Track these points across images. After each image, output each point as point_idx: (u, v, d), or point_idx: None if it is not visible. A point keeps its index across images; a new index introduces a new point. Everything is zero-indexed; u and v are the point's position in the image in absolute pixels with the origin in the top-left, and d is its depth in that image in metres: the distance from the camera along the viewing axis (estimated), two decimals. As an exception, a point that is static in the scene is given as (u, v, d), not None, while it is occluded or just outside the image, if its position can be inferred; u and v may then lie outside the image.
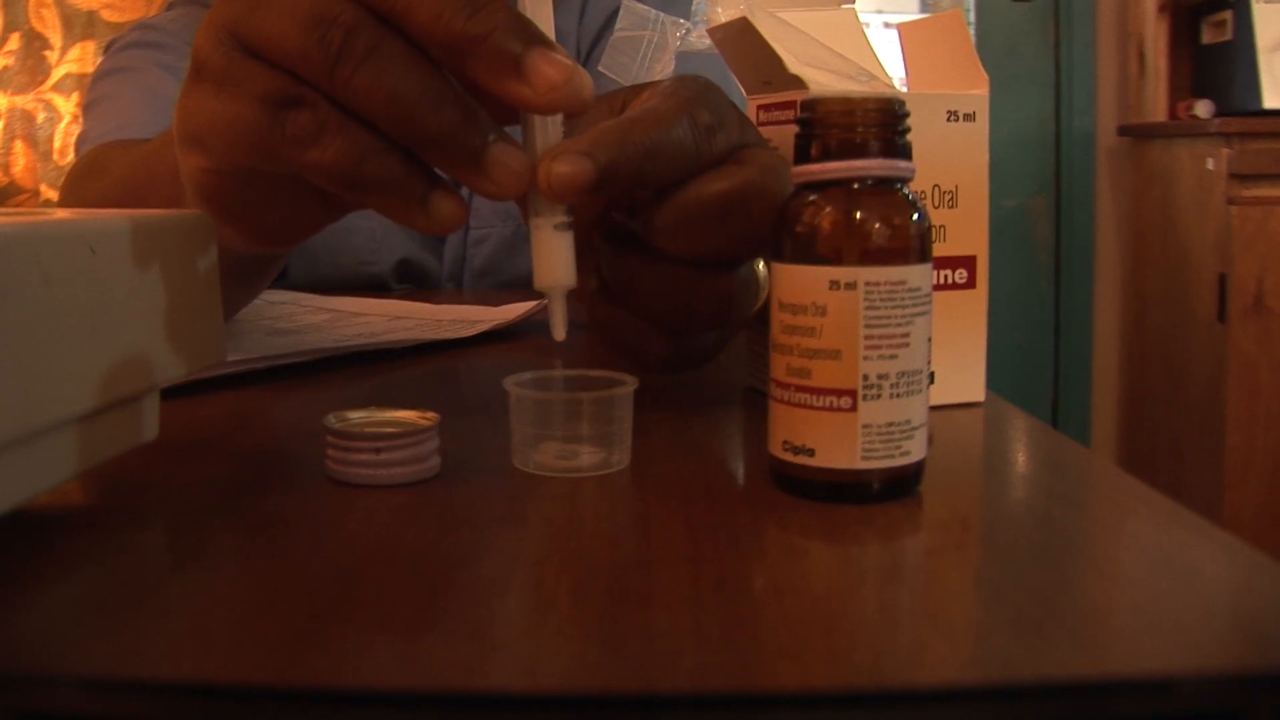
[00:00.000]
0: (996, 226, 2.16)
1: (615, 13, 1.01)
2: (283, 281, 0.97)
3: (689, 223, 0.42)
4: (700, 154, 0.42)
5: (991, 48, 2.45)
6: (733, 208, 0.42)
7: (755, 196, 0.42)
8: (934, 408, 0.48)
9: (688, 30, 0.54)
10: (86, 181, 0.82)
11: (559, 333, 0.42)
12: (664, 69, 0.55)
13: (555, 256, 0.41)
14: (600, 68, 0.54)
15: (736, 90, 0.54)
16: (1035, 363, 2.55)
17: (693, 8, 0.53)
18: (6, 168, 1.95)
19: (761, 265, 0.47)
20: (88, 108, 1.00)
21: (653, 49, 0.53)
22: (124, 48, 1.02)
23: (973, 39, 0.51)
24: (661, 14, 0.54)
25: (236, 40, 0.38)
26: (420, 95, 0.37)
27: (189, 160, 0.43)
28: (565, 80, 0.38)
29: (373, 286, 0.98)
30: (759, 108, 0.52)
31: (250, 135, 0.39)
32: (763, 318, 0.47)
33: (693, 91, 0.43)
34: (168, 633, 0.28)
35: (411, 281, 1.01)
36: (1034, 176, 2.52)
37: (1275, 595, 0.30)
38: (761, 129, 0.52)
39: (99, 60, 1.11)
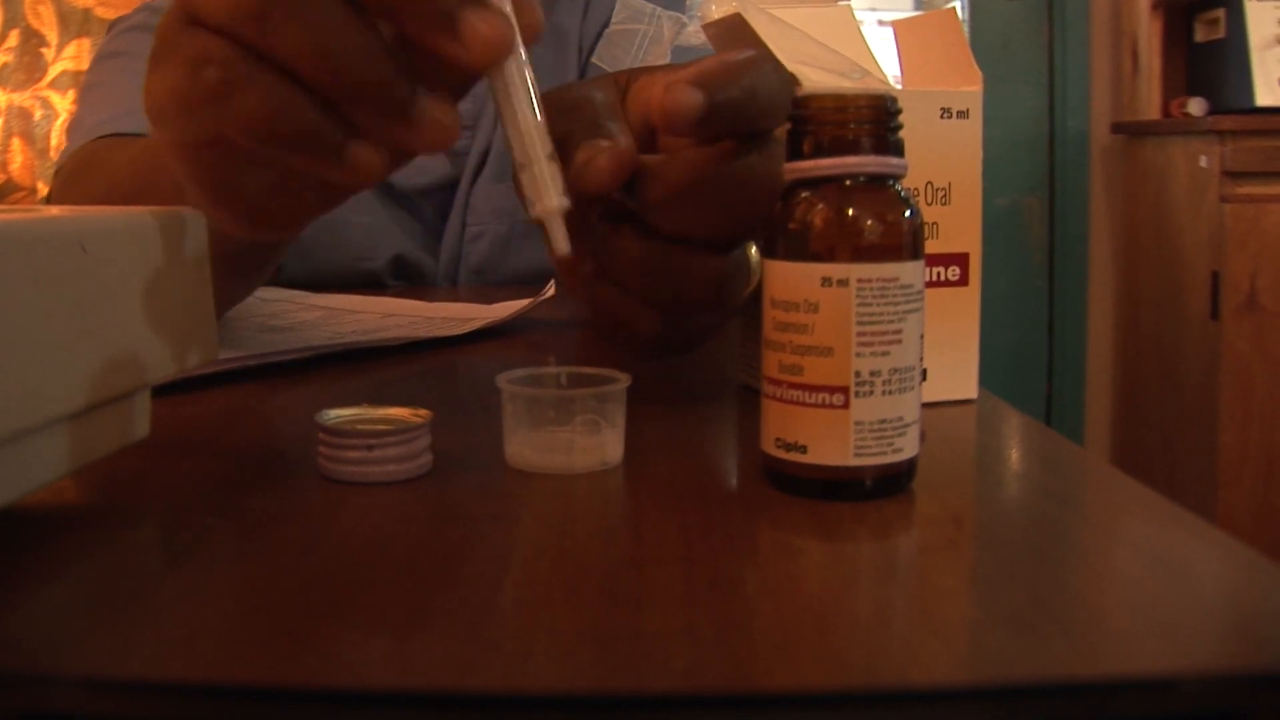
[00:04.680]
0: (990, 224, 2.16)
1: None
2: (278, 277, 0.97)
3: (683, 199, 0.43)
4: (781, 109, 0.42)
5: (985, 46, 2.45)
6: (728, 188, 0.42)
7: (752, 179, 0.43)
8: (927, 405, 0.48)
9: (683, 25, 0.54)
10: (80, 179, 0.82)
11: (561, 247, 0.42)
12: (657, 63, 0.55)
13: (545, 185, 0.41)
14: (594, 59, 0.54)
15: None
16: (1029, 360, 2.55)
17: (687, 3, 0.53)
18: (4, 165, 1.95)
19: (754, 251, 0.47)
20: (84, 91, 1.00)
21: (648, 42, 0.53)
22: (126, 30, 1.02)
23: (966, 36, 0.51)
24: (658, 8, 0.55)
25: (184, 11, 0.39)
26: (347, 48, 0.37)
27: (158, 138, 0.43)
28: (500, 38, 0.38)
29: (368, 283, 0.98)
30: (752, 105, 0.52)
31: (177, 99, 0.39)
32: (753, 309, 0.47)
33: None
34: (159, 632, 0.28)
35: (406, 278, 1.01)
36: (1028, 174, 2.52)
37: (1269, 593, 0.30)
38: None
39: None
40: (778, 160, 0.41)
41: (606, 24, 1.00)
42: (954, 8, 0.53)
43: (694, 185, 0.43)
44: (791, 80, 0.45)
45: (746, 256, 0.46)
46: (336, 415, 0.40)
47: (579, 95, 0.46)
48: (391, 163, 0.40)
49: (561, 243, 0.41)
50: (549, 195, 0.41)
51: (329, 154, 0.39)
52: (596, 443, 0.41)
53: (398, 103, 0.38)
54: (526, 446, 0.41)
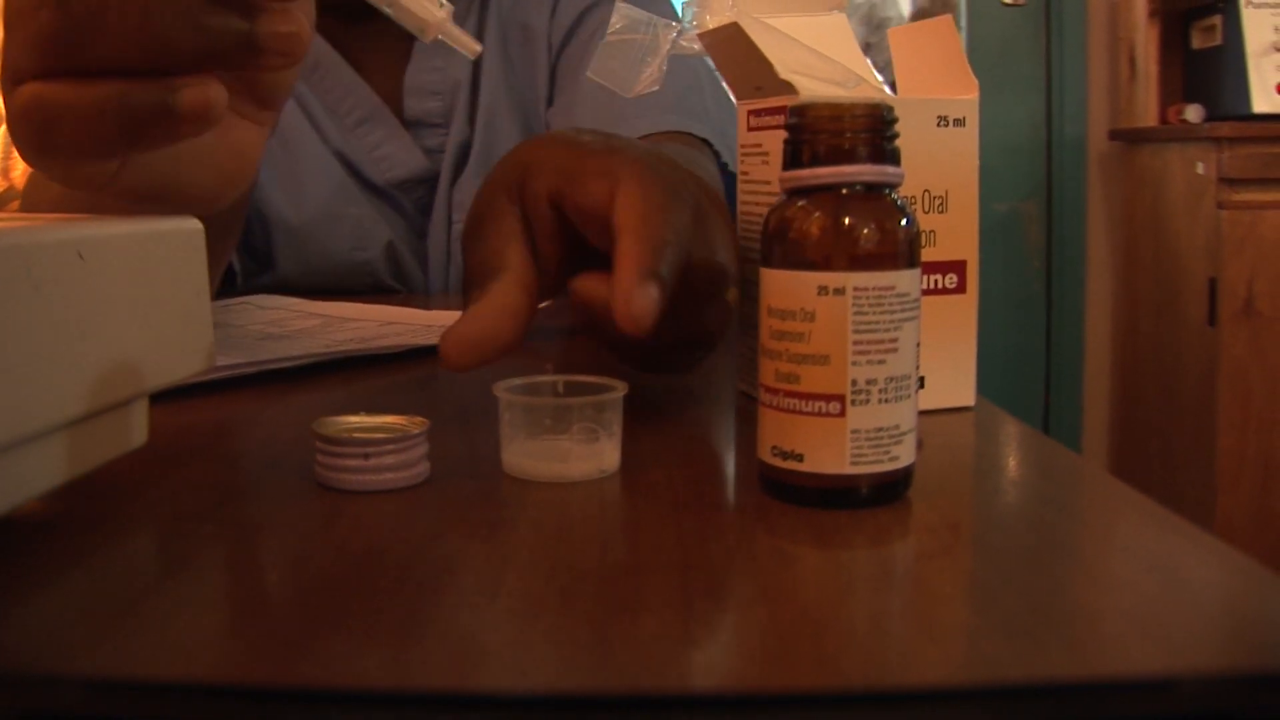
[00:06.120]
0: (987, 231, 2.15)
1: (587, 10, 1.00)
2: (273, 275, 0.97)
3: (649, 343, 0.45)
4: (691, 211, 0.44)
5: (983, 52, 2.46)
6: (687, 322, 0.45)
7: (702, 290, 0.45)
8: (924, 412, 0.48)
9: (679, 33, 0.54)
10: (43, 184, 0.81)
11: (472, 46, 0.43)
12: (654, 73, 0.55)
13: (419, 4, 0.42)
14: (590, 73, 0.54)
15: (726, 92, 0.55)
16: (1027, 366, 2.55)
17: (682, 10, 0.53)
18: (5, 172, 1.94)
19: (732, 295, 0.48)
20: None
21: (644, 53, 0.53)
22: None
23: (963, 44, 0.51)
24: (654, 17, 0.54)
25: (8, 74, 0.39)
26: (168, 35, 0.36)
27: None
28: None
29: (364, 275, 0.98)
30: (750, 113, 0.52)
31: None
32: (751, 317, 0.47)
33: (661, 170, 0.45)
34: (157, 637, 0.28)
35: (400, 275, 1.00)
36: (1025, 181, 2.52)
37: (1263, 599, 0.30)
38: (752, 134, 0.52)
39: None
40: (719, 244, 0.45)
41: (575, 23, 1.00)
42: (950, 15, 0.53)
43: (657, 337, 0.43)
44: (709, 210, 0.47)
45: (726, 302, 0.47)
46: (334, 423, 0.40)
47: (481, 253, 0.47)
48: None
49: (469, 42, 0.42)
50: (428, 9, 0.42)
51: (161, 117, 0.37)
52: (593, 451, 0.41)
53: (238, 52, 0.37)
54: (523, 454, 0.41)
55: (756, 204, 0.51)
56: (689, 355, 0.50)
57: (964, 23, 2.48)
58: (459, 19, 0.99)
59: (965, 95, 0.51)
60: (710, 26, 0.51)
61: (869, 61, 0.53)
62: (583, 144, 0.47)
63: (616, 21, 0.53)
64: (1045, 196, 2.52)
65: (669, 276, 0.41)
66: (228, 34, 0.37)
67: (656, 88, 0.53)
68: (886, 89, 0.52)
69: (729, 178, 0.93)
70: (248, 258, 0.98)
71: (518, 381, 0.42)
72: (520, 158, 0.48)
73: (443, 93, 0.98)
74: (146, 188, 0.41)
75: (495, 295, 0.44)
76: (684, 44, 0.53)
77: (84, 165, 0.39)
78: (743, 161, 0.53)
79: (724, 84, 0.55)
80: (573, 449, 0.40)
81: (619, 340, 0.48)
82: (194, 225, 0.40)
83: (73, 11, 0.36)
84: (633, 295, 0.39)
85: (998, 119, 2.45)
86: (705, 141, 0.93)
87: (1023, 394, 2.54)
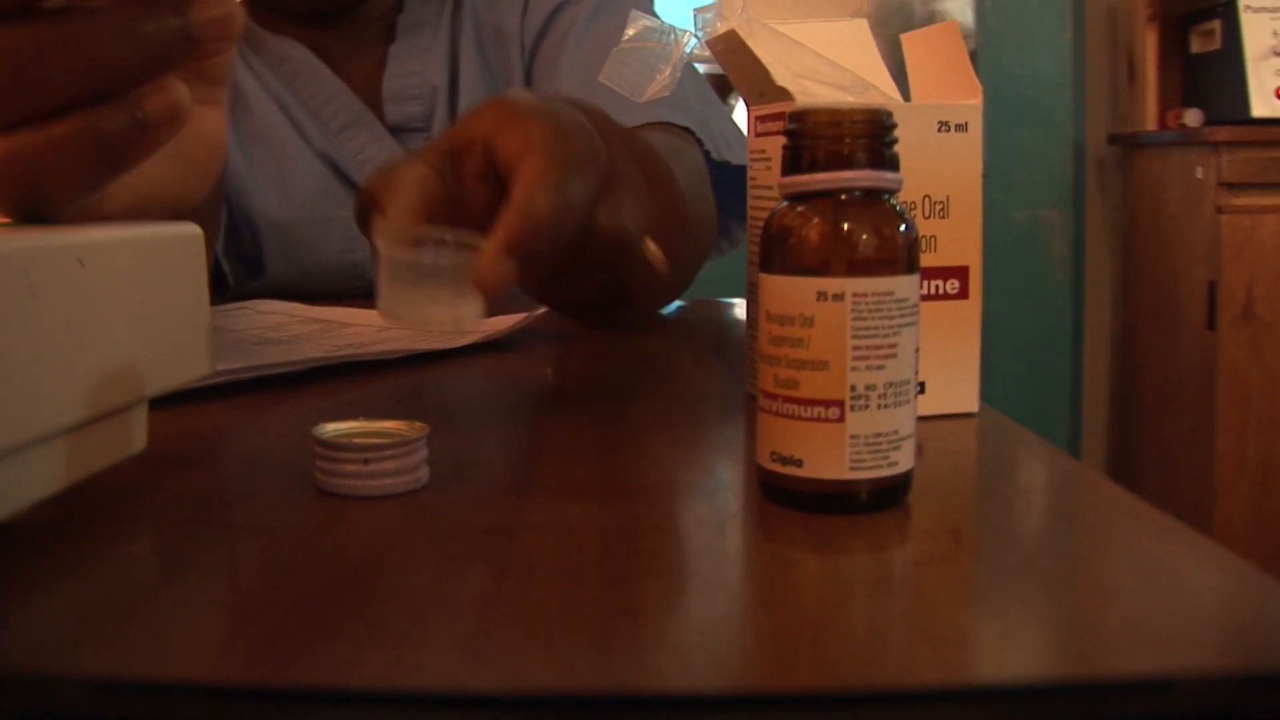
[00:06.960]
0: (1005, 239, 2.13)
1: (558, 8, 1.01)
2: (264, 279, 0.97)
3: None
4: (595, 184, 0.47)
5: (1004, 52, 2.43)
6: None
7: (605, 254, 0.49)
8: (927, 418, 0.48)
9: (692, 40, 0.54)
10: None
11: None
12: (666, 80, 0.54)
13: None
14: (601, 78, 0.54)
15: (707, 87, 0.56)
16: (1044, 371, 2.53)
17: (695, 17, 0.53)
18: None
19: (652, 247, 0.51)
20: None
21: (657, 59, 0.53)
22: None
23: (978, 45, 0.51)
24: (669, 24, 0.54)
25: None
26: (100, 56, 0.36)
27: None
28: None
29: (355, 277, 0.98)
30: (757, 119, 0.52)
31: None
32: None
33: (576, 138, 0.47)
34: (158, 639, 0.28)
35: None
36: (1045, 188, 2.49)
37: (1261, 604, 0.30)
38: (758, 139, 0.52)
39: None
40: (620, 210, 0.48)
41: (546, 22, 1.00)
42: (954, 21, 0.53)
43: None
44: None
45: (645, 263, 0.51)
46: (333, 428, 0.40)
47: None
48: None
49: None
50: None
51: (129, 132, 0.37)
52: (455, 301, 0.45)
53: (179, 48, 0.37)
54: (392, 301, 0.45)
55: (763, 209, 0.51)
56: (614, 312, 0.54)
57: (973, 22, 2.47)
58: (432, 20, 1.00)
59: (968, 100, 0.51)
60: (719, 32, 0.51)
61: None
62: (519, 99, 0.51)
63: (630, 28, 0.53)
64: (1072, 201, 2.48)
65: (537, 254, 0.45)
66: (166, 36, 0.37)
67: (668, 94, 0.53)
68: (900, 96, 0.52)
69: (716, 166, 0.92)
70: (239, 263, 0.98)
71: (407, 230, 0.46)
72: (464, 114, 0.53)
73: (422, 97, 0.98)
74: (127, 203, 0.41)
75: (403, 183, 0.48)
76: (698, 51, 0.53)
77: (71, 204, 0.38)
78: (751, 167, 0.54)
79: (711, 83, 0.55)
80: (436, 296, 0.45)
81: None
82: (193, 230, 0.40)
83: (12, 63, 0.35)
84: (491, 267, 0.45)
85: (1018, 123, 2.43)
86: (690, 131, 0.93)
87: (1040, 397, 2.51)
